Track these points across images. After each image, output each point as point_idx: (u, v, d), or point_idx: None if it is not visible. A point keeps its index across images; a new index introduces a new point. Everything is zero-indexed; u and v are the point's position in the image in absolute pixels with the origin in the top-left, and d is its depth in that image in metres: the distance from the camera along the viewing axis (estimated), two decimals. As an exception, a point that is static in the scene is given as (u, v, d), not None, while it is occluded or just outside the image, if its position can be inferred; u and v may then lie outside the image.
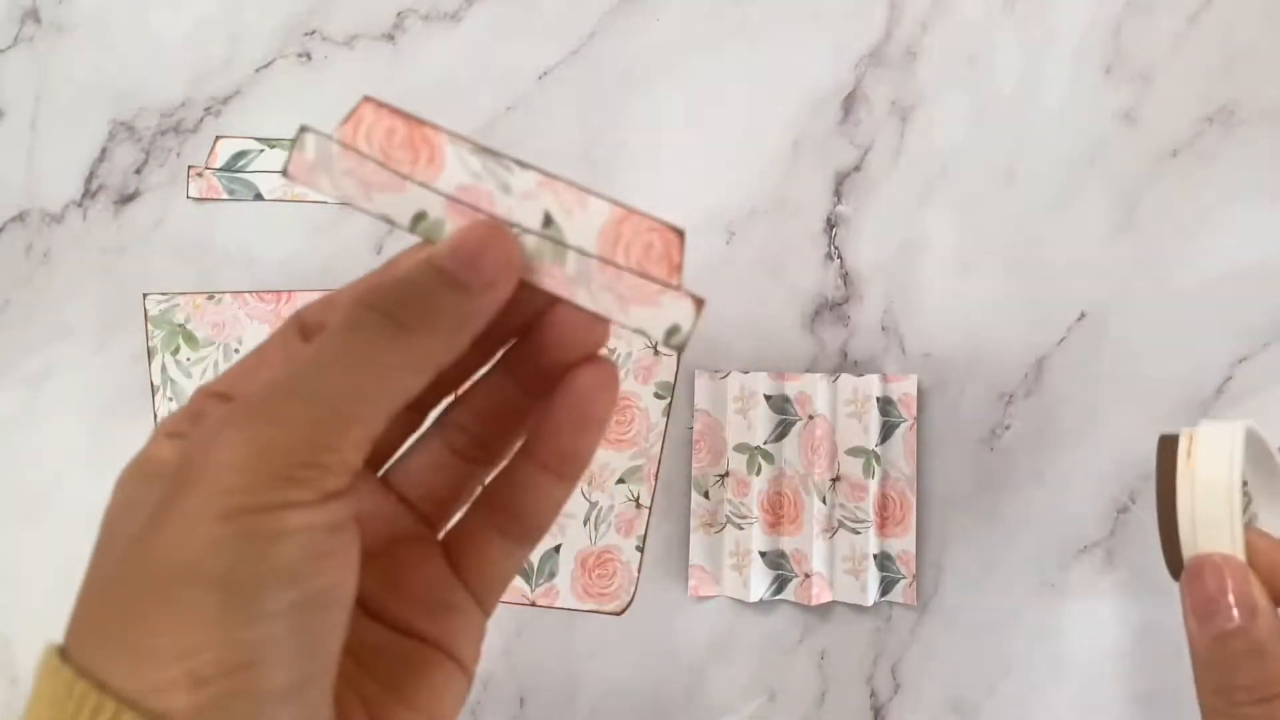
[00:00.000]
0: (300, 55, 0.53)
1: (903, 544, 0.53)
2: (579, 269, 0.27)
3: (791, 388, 0.53)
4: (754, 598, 0.53)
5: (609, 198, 0.27)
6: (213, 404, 0.26)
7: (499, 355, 0.28)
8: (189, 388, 0.54)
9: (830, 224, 0.53)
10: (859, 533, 0.52)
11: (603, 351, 0.27)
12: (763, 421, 0.53)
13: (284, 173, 0.26)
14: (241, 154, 0.54)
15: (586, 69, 0.53)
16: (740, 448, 0.53)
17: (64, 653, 0.21)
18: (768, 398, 0.53)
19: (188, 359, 0.54)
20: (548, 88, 0.53)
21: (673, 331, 0.27)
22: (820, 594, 0.53)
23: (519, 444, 0.28)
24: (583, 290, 0.27)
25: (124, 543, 0.22)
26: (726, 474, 0.53)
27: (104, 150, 0.54)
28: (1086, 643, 0.54)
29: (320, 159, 0.27)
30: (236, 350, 0.54)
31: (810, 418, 0.52)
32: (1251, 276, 0.53)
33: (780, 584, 0.53)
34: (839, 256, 0.53)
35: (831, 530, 0.53)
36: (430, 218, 0.27)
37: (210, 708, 0.20)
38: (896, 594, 0.53)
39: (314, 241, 0.54)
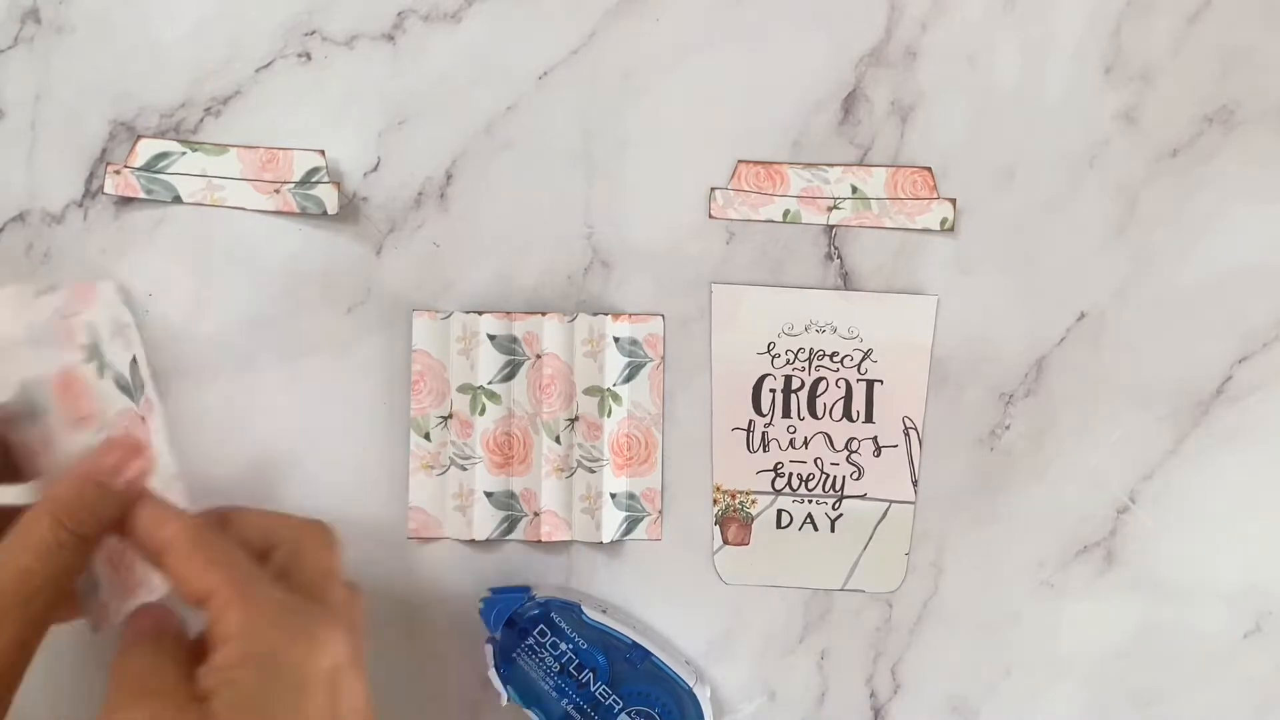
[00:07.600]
0: (300, 55, 0.53)
1: (647, 482, 0.54)
2: (880, 207, 0.50)
3: (519, 327, 0.53)
4: (481, 537, 0.53)
5: (882, 164, 0.51)
6: None
7: None
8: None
9: (830, 224, 0.53)
10: (594, 471, 0.53)
11: None
12: (487, 361, 0.53)
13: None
14: (163, 155, 0.54)
15: (586, 69, 0.53)
16: (464, 388, 0.53)
17: None
18: (492, 337, 0.53)
19: None
20: (548, 88, 0.53)
21: (944, 221, 0.51)
22: (553, 532, 0.53)
23: None
24: (886, 219, 0.50)
25: None
26: (450, 416, 0.53)
27: (104, 150, 0.54)
28: (1086, 643, 0.54)
29: (726, 201, 0.51)
30: None
31: (538, 356, 0.53)
32: (1251, 276, 0.53)
33: (510, 524, 0.54)
34: (839, 256, 0.53)
35: (569, 470, 0.53)
36: (792, 210, 0.51)
37: None
38: (640, 531, 0.54)
39: (315, 241, 0.54)
